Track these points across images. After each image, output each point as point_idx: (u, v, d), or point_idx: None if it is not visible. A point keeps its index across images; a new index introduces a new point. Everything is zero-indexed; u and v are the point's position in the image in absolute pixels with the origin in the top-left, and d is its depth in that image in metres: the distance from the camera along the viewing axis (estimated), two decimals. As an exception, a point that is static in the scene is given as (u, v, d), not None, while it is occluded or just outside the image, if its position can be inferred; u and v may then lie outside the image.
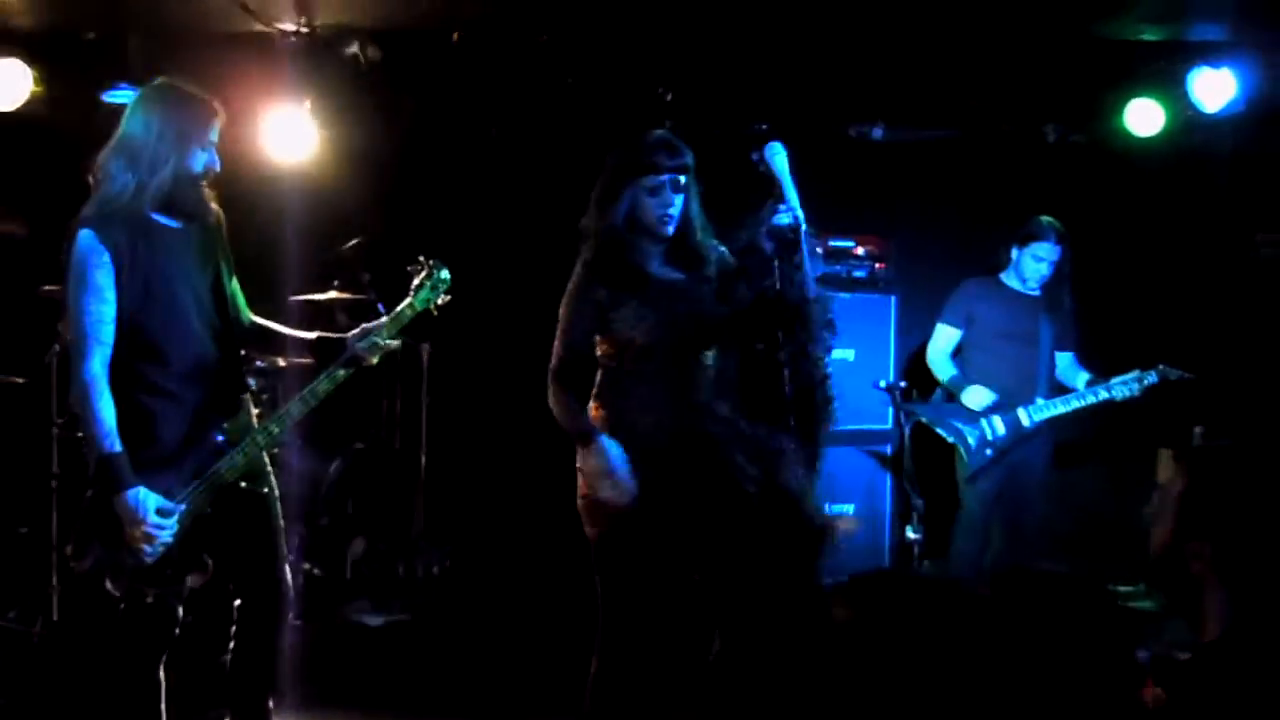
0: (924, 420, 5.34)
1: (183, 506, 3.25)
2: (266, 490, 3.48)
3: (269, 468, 3.52)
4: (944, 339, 5.40)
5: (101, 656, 3.46)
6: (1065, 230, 5.18)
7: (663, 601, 3.35)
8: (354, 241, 5.73)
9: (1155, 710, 4.09)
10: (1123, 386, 5.10)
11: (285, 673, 3.63)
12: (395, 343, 3.54)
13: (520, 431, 6.19)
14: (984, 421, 5.20)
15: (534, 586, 5.73)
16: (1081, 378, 5.26)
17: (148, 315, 3.26)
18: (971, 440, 5.21)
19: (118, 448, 3.17)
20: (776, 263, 3.29)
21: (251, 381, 4.57)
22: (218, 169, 3.38)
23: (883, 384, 5.47)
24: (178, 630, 3.43)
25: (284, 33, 5.34)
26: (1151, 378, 5.10)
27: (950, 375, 5.33)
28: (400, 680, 4.81)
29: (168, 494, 3.23)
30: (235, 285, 3.53)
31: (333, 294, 5.52)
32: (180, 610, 3.42)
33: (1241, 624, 4.20)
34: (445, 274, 3.61)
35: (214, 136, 3.35)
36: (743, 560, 3.30)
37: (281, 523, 3.52)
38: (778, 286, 3.29)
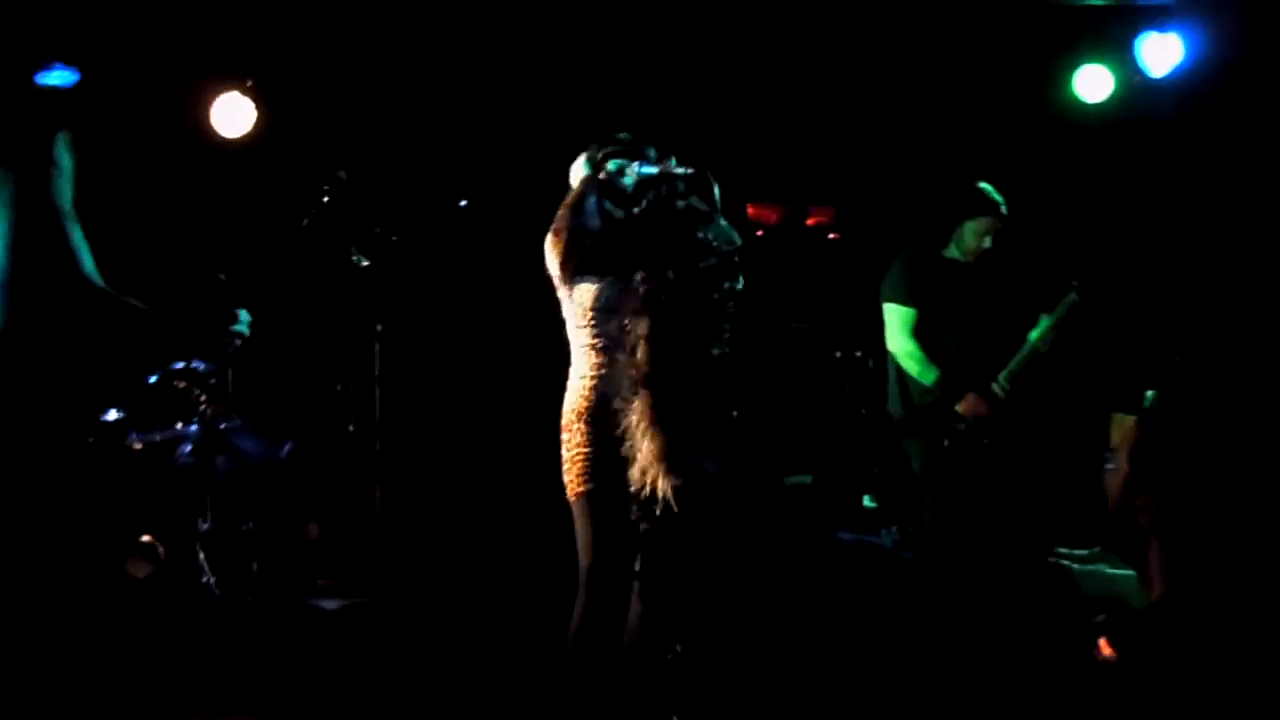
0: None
1: None
2: None
3: None
4: (903, 321, 4.87)
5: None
6: (1004, 198, 4.90)
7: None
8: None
9: (1108, 666, 4.18)
10: (1048, 317, 4.86)
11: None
12: None
13: (477, 412, 6.16)
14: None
15: (494, 567, 5.70)
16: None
17: None
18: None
19: None
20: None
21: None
22: None
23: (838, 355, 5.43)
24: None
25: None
26: (1071, 298, 4.87)
27: (934, 377, 4.81)
28: (357, 664, 4.76)
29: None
30: None
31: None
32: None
33: (1180, 582, 4.27)
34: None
35: None
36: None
37: None
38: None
